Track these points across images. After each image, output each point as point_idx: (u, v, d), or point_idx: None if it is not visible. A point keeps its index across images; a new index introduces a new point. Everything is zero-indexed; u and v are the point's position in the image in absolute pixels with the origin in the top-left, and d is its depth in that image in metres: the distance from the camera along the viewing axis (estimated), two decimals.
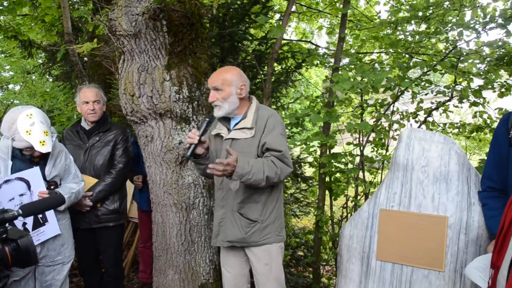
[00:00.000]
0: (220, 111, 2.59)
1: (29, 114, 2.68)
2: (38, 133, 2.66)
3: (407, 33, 4.96)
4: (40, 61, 8.48)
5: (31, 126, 2.65)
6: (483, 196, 2.36)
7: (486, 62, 4.01)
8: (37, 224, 2.82)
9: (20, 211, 1.81)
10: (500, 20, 3.85)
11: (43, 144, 2.66)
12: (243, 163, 2.39)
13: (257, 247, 2.68)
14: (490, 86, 3.98)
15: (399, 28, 4.93)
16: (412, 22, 4.86)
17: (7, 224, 1.72)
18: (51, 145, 2.74)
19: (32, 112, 2.70)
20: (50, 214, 2.88)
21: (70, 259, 3.07)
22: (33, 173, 2.78)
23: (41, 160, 2.87)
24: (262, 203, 2.65)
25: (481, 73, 4.03)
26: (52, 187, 2.87)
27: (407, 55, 4.76)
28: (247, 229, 2.63)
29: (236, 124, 2.65)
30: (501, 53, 3.88)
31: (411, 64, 4.23)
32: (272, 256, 2.72)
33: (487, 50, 4.13)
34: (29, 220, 2.77)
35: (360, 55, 5.05)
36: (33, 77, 10.70)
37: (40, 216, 2.82)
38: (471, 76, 3.96)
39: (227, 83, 2.58)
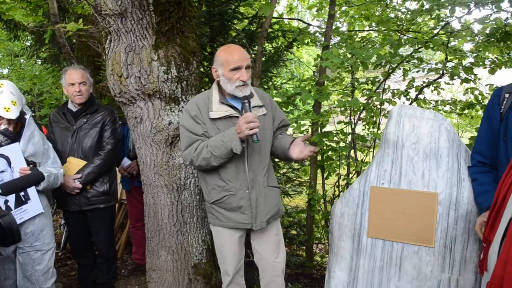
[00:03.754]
0: (248, 89, 2.55)
1: None
2: (5, 101, 2.74)
3: (399, 9, 4.91)
4: (27, 43, 8.33)
5: None
6: (473, 171, 2.37)
7: (477, 38, 3.99)
8: (19, 202, 2.80)
9: (0, 190, 1.79)
10: None
11: (7, 110, 2.73)
12: None
13: (276, 219, 2.79)
14: (481, 63, 3.97)
15: (390, 5, 4.88)
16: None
17: None
18: (17, 114, 2.77)
19: (3, 83, 2.80)
20: (32, 192, 2.86)
21: (49, 248, 3.01)
22: (13, 149, 2.76)
23: (15, 136, 2.86)
24: (273, 171, 2.79)
25: (472, 51, 4.01)
26: (31, 165, 2.85)
27: (398, 33, 4.73)
28: (278, 198, 2.77)
29: None
30: (492, 28, 3.86)
31: (402, 39, 4.20)
32: (279, 225, 2.86)
33: (478, 27, 4.11)
34: (11, 198, 2.76)
35: (350, 32, 5.00)
36: (21, 60, 10.55)
37: (22, 194, 2.81)
38: (462, 54, 3.94)
39: (250, 62, 2.61)
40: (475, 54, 4.09)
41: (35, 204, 2.88)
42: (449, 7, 3.93)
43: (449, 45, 4.12)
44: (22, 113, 2.86)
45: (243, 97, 2.50)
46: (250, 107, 2.49)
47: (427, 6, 4.13)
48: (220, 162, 2.52)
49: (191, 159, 2.57)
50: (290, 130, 5.05)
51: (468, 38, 4.06)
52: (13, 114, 2.75)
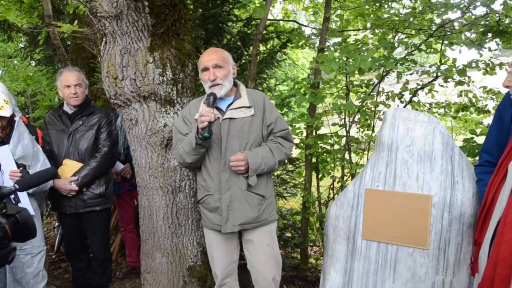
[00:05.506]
0: (222, 90, 2.56)
1: None
2: None
3: (393, 11, 4.94)
4: (21, 45, 8.29)
5: None
6: (479, 171, 2.34)
7: (472, 31, 4.04)
8: None
9: (17, 186, 1.79)
10: None
11: (0, 108, 2.72)
12: (252, 158, 2.50)
13: (262, 227, 2.68)
14: (474, 65, 3.99)
15: (385, 5, 4.90)
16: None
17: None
18: (10, 112, 2.77)
19: None
20: (23, 195, 2.83)
21: (39, 251, 3.00)
22: (2, 152, 2.74)
23: (5, 138, 2.86)
24: (265, 179, 2.68)
25: (467, 43, 4.05)
26: (21, 168, 2.83)
27: (393, 33, 4.74)
28: (259, 206, 2.63)
29: (230, 104, 2.62)
30: (486, 25, 3.90)
31: (396, 42, 4.21)
32: (273, 235, 2.77)
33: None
34: None
35: (344, 32, 5.01)
36: (15, 62, 10.49)
37: (12, 197, 2.77)
38: (460, 45, 3.98)
39: (226, 61, 2.60)
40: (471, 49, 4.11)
41: (26, 207, 2.85)
42: (442, 9, 3.97)
43: (444, 43, 4.16)
44: (12, 115, 2.85)
45: (209, 93, 2.54)
46: (213, 103, 2.49)
47: (420, 8, 4.16)
48: (193, 159, 2.57)
49: (176, 157, 2.69)
50: None
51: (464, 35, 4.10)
52: (7, 112, 2.75)
